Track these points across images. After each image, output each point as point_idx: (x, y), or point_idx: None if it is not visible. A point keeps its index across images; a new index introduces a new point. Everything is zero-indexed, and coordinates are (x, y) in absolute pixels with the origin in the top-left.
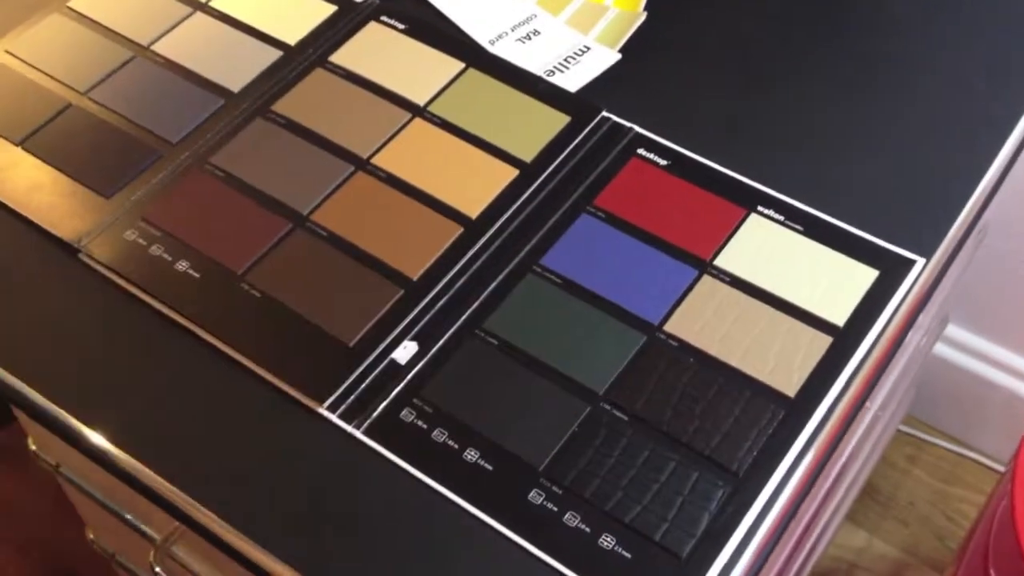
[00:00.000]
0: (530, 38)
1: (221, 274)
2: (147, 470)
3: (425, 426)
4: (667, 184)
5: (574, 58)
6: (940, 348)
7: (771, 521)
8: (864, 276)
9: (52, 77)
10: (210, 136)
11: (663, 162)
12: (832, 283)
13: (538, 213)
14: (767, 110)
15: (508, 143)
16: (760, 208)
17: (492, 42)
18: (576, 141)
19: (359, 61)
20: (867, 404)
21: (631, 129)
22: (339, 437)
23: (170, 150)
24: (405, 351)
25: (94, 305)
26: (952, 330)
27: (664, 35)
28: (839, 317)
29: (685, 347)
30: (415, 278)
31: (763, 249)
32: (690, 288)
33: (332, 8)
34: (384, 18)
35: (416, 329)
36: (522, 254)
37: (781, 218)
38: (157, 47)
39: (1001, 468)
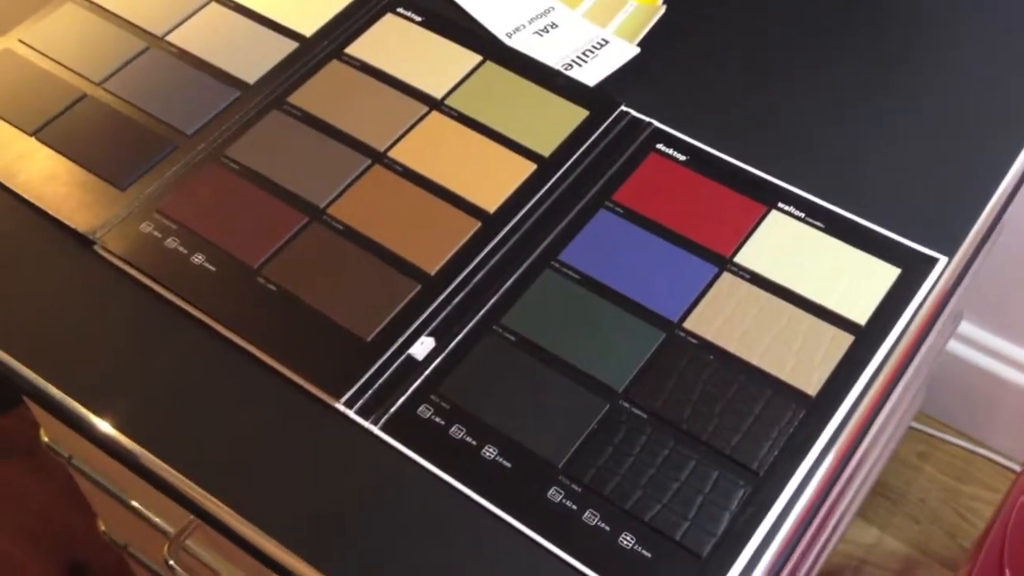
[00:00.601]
0: (547, 31)
1: (237, 267)
2: (161, 463)
3: (443, 422)
4: (686, 180)
5: (592, 51)
6: (953, 345)
7: (792, 521)
8: (886, 274)
9: (66, 67)
10: (225, 128)
11: (682, 157)
12: (853, 281)
13: (556, 208)
14: (788, 105)
15: (526, 137)
16: (780, 205)
17: (509, 35)
18: (594, 136)
19: (375, 53)
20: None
21: (649, 124)
22: (356, 432)
23: (185, 142)
24: (422, 347)
25: (109, 297)
26: (965, 327)
27: (683, 29)
28: (861, 315)
29: (705, 344)
30: (432, 273)
31: (783, 246)
32: (710, 285)
33: None
34: (400, 10)
35: (433, 325)
36: (540, 249)
37: (802, 215)
38: (171, 37)
39: (1013, 466)
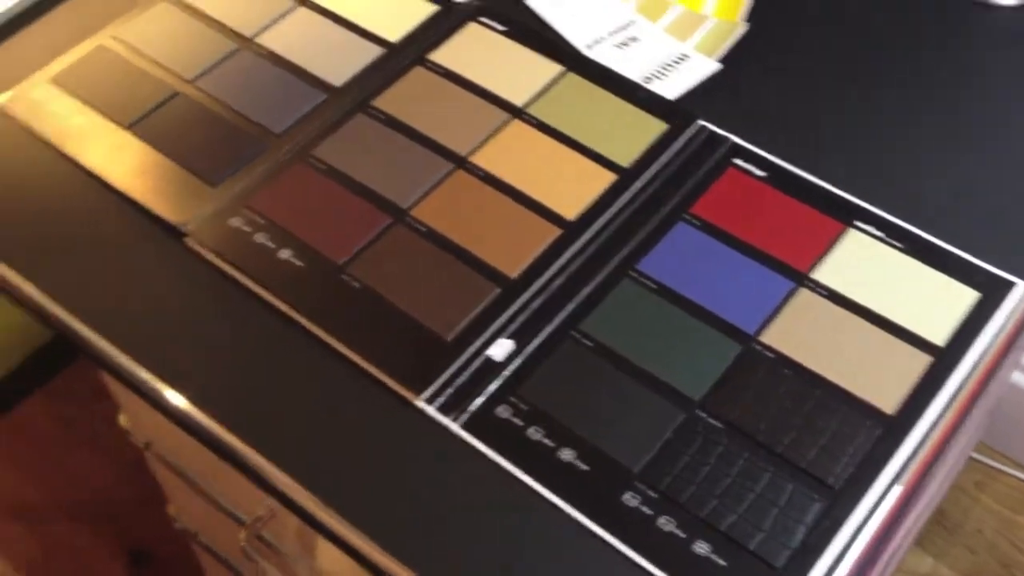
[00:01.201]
0: (628, 44)
1: (323, 264)
2: (249, 447)
3: (521, 423)
4: (764, 195)
5: (672, 66)
6: (1014, 375)
7: (866, 538)
8: (965, 297)
9: (159, 64)
10: (312, 129)
11: (760, 173)
12: (932, 302)
13: (635, 218)
14: (867, 124)
15: (605, 147)
16: (858, 223)
17: (590, 47)
18: (673, 148)
19: (458, 60)
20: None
21: (728, 139)
22: (434, 430)
23: (274, 141)
24: (501, 348)
25: (198, 287)
26: None
27: (763, 46)
28: (939, 337)
29: (781, 359)
30: (513, 277)
31: (861, 265)
32: (786, 300)
33: (433, 8)
34: (484, 19)
35: (513, 327)
36: (618, 258)
37: (881, 234)
38: (261, 39)
39: None
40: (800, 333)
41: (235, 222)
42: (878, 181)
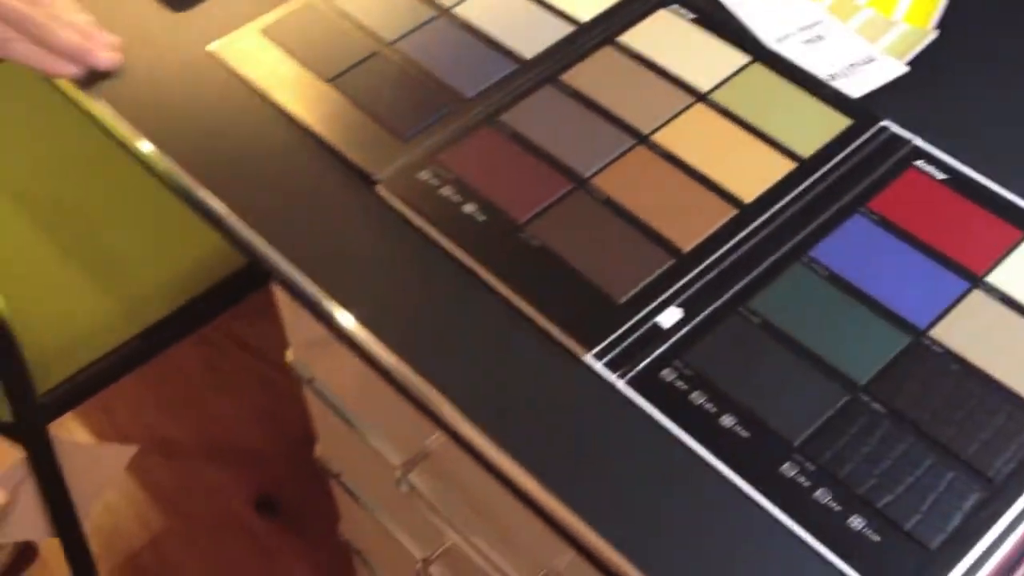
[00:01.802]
0: (815, 41)
1: (504, 221)
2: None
3: (685, 387)
4: (943, 197)
5: (859, 66)
6: None
7: (1022, 532)
8: None
9: (361, 26)
10: (502, 96)
11: (941, 176)
12: None
13: (811, 207)
14: None
15: (787, 137)
16: None
17: (779, 40)
18: (855, 145)
19: (647, 44)
20: None
21: (909, 141)
22: (600, 385)
23: (464, 105)
24: (670, 316)
25: (385, 233)
26: None
27: (954, 52)
28: None
29: (949, 354)
30: (686, 250)
31: None
32: (959, 299)
33: None
34: (674, 6)
35: (683, 298)
36: (792, 244)
37: None
38: (458, 10)
39: None
40: (971, 332)
41: (424, 175)
42: None
